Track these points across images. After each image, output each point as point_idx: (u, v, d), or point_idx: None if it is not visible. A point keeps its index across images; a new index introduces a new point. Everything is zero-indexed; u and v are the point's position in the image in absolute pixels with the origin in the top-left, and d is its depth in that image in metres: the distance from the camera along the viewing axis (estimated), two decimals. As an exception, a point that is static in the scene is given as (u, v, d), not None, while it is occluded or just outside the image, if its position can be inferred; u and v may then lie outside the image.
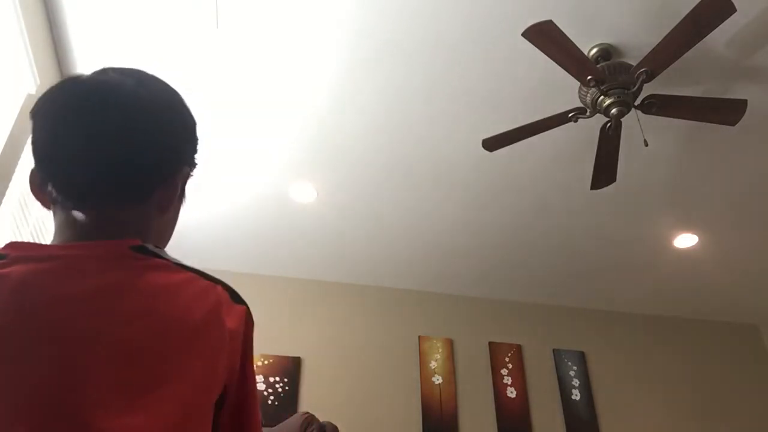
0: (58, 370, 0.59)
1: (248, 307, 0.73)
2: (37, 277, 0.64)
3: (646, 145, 2.50)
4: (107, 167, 0.71)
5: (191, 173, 0.81)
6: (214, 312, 0.67)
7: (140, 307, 0.64)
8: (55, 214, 0.74)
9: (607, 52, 2.72)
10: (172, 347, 0.63)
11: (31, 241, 2.82)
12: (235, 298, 0.72)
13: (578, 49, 2.45)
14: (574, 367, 4.53)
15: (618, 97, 2.58)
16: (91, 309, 0.63)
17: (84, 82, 0.73)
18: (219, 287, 0.70)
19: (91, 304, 0.63)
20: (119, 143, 0.71)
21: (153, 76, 0.78)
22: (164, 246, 0.80)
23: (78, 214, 0.72)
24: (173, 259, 0.72)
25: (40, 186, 0.74)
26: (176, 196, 0.78)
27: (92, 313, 0.62)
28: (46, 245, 0.70)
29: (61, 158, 0.71)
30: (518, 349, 4.53)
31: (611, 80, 2.58)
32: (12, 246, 0.69)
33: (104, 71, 0.76)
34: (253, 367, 0.73)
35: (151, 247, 0.71)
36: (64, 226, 0.72)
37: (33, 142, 0.73)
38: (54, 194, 0.72)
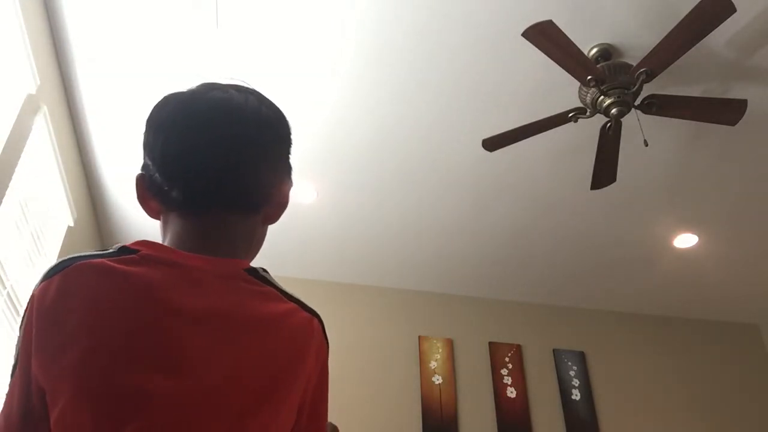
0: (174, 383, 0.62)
1: (328, 341, 0.79)
2: (162, 284, 0.66)
3: (646, 145, 2.50)
4: (242, 175, 0.75)
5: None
6: (307, 347, 0.73)
7: (249, 337, 0.68)
8: (168, 219, 0.77)
9: (607, 52, 2.72)
10: (275, 379, 0.68)
11: (37, 241, 2.82)
12: (324, 332, 0.78)
13: (578, 49, 2.45)
14: (574, 367, 4.53)
15: (618, 97, 2.58)
16: (208, 330, 0.66)
17: (213, 97, 0.77)
18: (315, 321, 0.75)
19: (208, 326, 0.66)
20: (253, 154, 0.76)
21: (260, 93, 0.83)
22: (256, 254, 0.83)
23: (198, 220, 0.75)
24: (277, 284, 0.76)
25: (153, 191, 0.76)
26: (285, 207, 0.82)
27: (209, 334, 0.66)
28: (171, 249, 0.72)
29: (197, 164, 0.74)
30: (518, 349, 4.53)
31: (611, 80, 2.58)
32: (143, 243, 0.71)
33: (223, 88, 0.79)
34: (327, 395, 0.78)
35: (260, 270, 0.75)
36: (183, 231, 0.75)
37: (160, 148, 0.75)
38: (176, 199, 0.75)
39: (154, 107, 0.79)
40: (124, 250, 0.69)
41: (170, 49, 2.77)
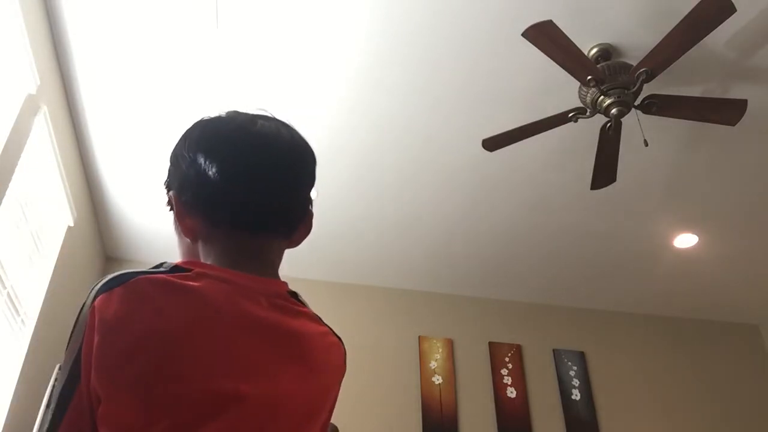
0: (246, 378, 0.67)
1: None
2: (223, 298, 0.70)
3: (646, 145, 2.50)
4: (292, 202, 0.81)
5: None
6: (340, 368, 0.80)
7: (304, 352, 0.73)
8: (211, 238, 0.78)
9: (607, 52, 2.72)
10: (323, 393, 0.75)
11: (37, 241, 2.82)
12: (346, 358, 0.84)
13: (578, 49, 2.45)
14: (574, 367, 4.53)
15: (618, 97, 2.58)
16: (269, 341, 0.70)
17: (265, 126, 0.81)
18: (342, 347, 0.83)
19: (268, 338, 0.71)
20: (299, 182, 0.82)
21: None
22: None
23: (246, 241, 0.78)
24: (310, 308, 0.81)
25: (195, 210, 0.78)
26: (309, 233, 0.87)
27: (270, 345, 0.70)
28: (222, 268, 0.74)
29: (257, 187, 0.77)
30: (518, 349, 4.53)
31: (611, 80, 2.58)
32: (192, 263, 0.74)
33: (266, 118, 0.84)
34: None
35: (299, 295, 0.81)
36: (230, 250, 0.77)
37: (217, 169, 0.77)
38: (227, 219, 0.77)
39: (202, 129, 0.81)
40: (177, 268, 0.72)
41: (170, 49, 2.77)
